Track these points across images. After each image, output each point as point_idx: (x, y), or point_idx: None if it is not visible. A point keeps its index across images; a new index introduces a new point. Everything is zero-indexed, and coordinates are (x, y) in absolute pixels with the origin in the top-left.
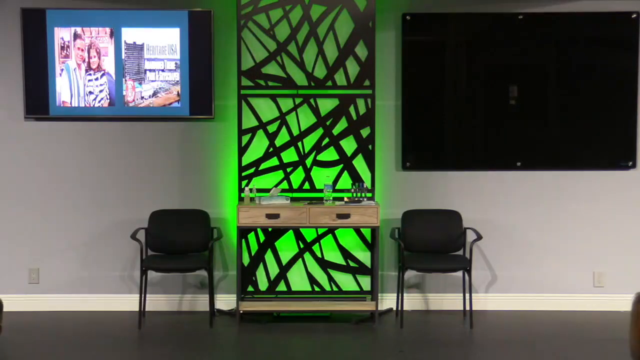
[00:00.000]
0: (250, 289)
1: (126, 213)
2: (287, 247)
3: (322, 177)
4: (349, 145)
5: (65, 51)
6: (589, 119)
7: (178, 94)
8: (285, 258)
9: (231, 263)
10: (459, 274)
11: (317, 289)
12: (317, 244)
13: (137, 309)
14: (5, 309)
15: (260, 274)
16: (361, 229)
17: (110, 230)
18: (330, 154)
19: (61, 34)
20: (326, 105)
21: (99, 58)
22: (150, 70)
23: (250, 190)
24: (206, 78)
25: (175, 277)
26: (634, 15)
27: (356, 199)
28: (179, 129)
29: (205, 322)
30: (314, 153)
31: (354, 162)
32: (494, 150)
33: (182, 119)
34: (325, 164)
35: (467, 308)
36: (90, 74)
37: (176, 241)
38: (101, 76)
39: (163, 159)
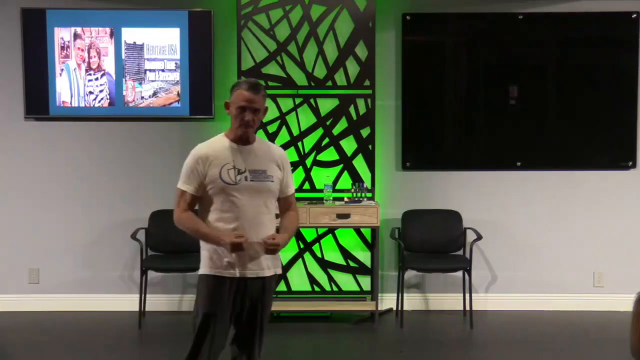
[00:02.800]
0: None
1: (126, 213)
2: (287, 247)
3: (322, 177)
4: (349, 145)
5: (65, 51)
6: (589, 119)
7: (178, 94)
8: (285, 258)
9: None
10: (459, 274)
11: (317, 289)
12: (317, 244)
13: (137, 309)
14: (5, 309)
15: None
16: (361, 229)
17: (110, 230)
18: (330, 154)
19: (61, 34)
20: (326, 105)
21: (99, 58)
22: (150, 70)
23: None
24: (206, 78)
25: (175, 277)
26: (634, 15)
27: (356, 199)
28: (179, 129)
29: None
30: (314, 153)
31: (354, 162)
32: (494, 150)
33: (182, 119)
34: (325, 164)
35: (467, 308)
36: (90, 74)
37: (176, 241)
38: (101, 76)
39: (163, 159)
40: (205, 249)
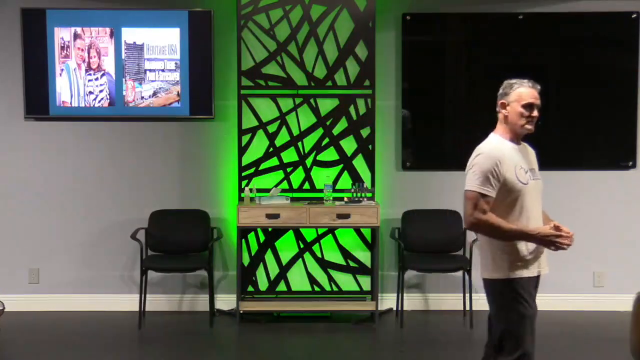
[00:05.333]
0: (250, 289)
1: (126, 213)
2: (287, 247)
3: (322, 177)
4: (349, 145)
5: (65, 51)
6: (589, 119)
7: (178, 94)
8: (285, 258)
9: (231, 263)
10: (459, 274)
11: (317, 289)
12: (317, 244)
13: (137, 309)
14: (5, 309)
15: (260, 274)
16: (361, 229)
17: (110, 230)
18: (330, 154)
19: (61, 34)
20: (326, 105)
21: (99, 58)
22: (150, 70)
23: (250, 190)
24: (206, 78)
25: (175, 277)
26: (634, 15)
27: (356, 199)
28: (179, 129)
29: (205, 322)
30: (314, 153)
31: (354, 162)
32: None
33: (182, 119)
34: (325, 164)
35: (467, 308)
36: (90, 74)
37: (176, 241)
38: (101, 76)
39: (163, 159)
40: (513, 250)
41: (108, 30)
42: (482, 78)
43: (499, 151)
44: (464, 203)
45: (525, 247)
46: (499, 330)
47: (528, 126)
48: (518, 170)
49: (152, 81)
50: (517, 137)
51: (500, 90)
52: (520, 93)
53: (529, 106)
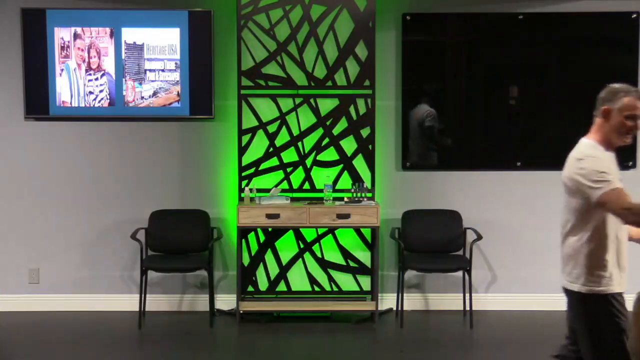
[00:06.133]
0: (250, 289)
1: (126, 213)
2: (287, 247)
3: (322, 177)
4: (349, 145)
5: (65, 51)
6: (589, 118)
7: (178, 94)
8: (285, 258)
9: (231, 263)
10: (459, 274)
11: (317, 289)
12: (317, 244)
13: (137, 309)
14: (5, 309)
15: (260, 274)
16: (361, 229)
17: (110, 230)
18: (330, 154)
19: (61, 34)
20: (326, 105)
21: (99, 58)
22: (150, 70)
23: (250, 190)
24: (206, 78)
25: (175, 277)
26: (634, 15)
27: (356, 199)
28: (179, 129)
29: (205, 322)
30: (314, 153)
31: (354, 162)
32: (494, 150)
33: (182, 119)
34: (325, 164)
35: (467, 308)
36: (90, 74)
37: (176, 241)
38: (101, 76)
39: (163, 159)
40: (613, 263)
41: (108, 30)
42: (482, 78)
43: (600, 156)
44: (607, 210)
45: (623, 262)
46: (588, 347)
47: (628, 139)
48: (618, 179)
49: (152, 81)
50: (612, 146)
51: (602, 94)
52: (626, 103)
53: (632, 117)
